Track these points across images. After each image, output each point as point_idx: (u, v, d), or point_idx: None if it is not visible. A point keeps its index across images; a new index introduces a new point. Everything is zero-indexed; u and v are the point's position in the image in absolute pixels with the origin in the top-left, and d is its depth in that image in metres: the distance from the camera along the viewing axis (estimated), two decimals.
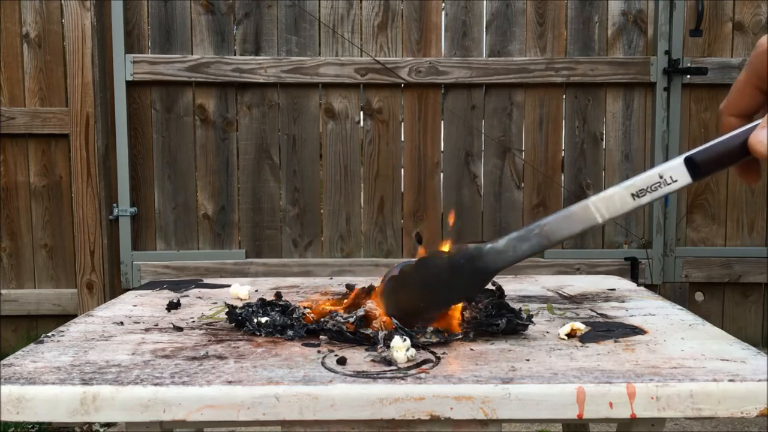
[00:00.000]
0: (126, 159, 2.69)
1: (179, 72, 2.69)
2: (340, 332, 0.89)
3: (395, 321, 0.89)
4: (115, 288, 2.73)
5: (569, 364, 0.79)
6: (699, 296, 2.84)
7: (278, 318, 0.95)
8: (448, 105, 2.79)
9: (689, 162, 0.68)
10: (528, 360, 0.81)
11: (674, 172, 0.68)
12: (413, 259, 0.86)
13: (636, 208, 0.71)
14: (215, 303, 1.18)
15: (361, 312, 0.92)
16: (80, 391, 0.71)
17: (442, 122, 2.80)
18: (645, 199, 0.70)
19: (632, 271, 2.76)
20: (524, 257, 0.76)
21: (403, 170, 2.81)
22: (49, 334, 0.94)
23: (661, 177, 0.69)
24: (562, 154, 2.82)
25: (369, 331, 0.88)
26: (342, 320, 0.92)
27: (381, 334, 0.86)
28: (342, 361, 0.80)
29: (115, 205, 2.72)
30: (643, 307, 1.11)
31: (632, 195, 0.70)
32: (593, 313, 1.07)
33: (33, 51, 2.69)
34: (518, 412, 0.70)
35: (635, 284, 1.33)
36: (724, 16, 2.77)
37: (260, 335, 0.93)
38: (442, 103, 2.79)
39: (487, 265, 0.78)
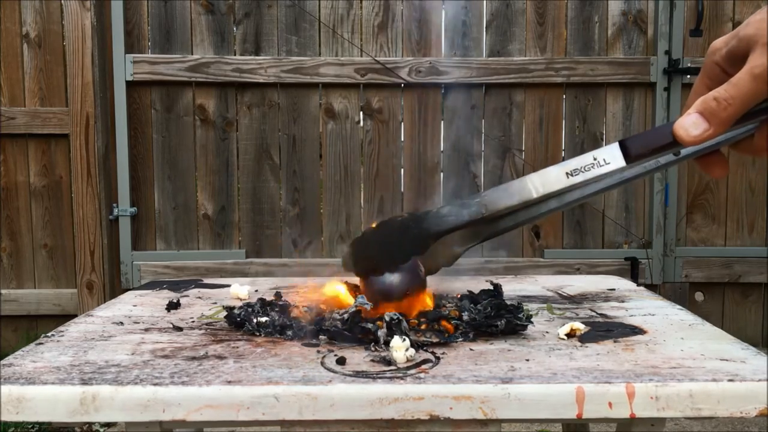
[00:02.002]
0: (126, 159, 2.69)
1: (179, 72, 2.69)
2: (339, 332, 0.89)
3: (391, 315, 0.89)
4: (115, 288, 2.73)
5: (569, 364, 0.79)
6: (699, 296, 2.84)
7: (278, 318, 0.96)
8: (448, 105, 2.79)
9: (623, 146, 0.69)
10: (528, 360, 0.81)
11: (607, 154, 0.71)
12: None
13: (569, 187, 0.73)
14: (215, 303, 1.18)
15: (352, 309, 0.92)
16: (80, 391, 0.71)
17: (442, 122, 2.80)
18: (578, 179, 0.71)
19: (632, 271, 2.76)
20: (465, 223, 0.78)
21: (403, 170, 2.81)
22: (49, 334, 0.94)
23: (594, 159, 0.71)
24: (562, 154, 2.82)
25: (369, 325, 0.88)
26: (337, 317, 0.92)
27: (381, 331, 0.86)
28: (341, 361, 0.80)
29: (115, 205, 2.72)
30: (642, 307, 1.11)
31: (566, 173, 0.72)
32: (593, 313, 1.07)
33: (33, 51, 2.69)
34: (518, 412, 0.71)
35: (635, 284, 1.33)
36: (724, 16, 2.77)
37: (260, 335, 0.93)
38: (442, 103, 2.79)
39: (430, 227, 0.81)
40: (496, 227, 0.82)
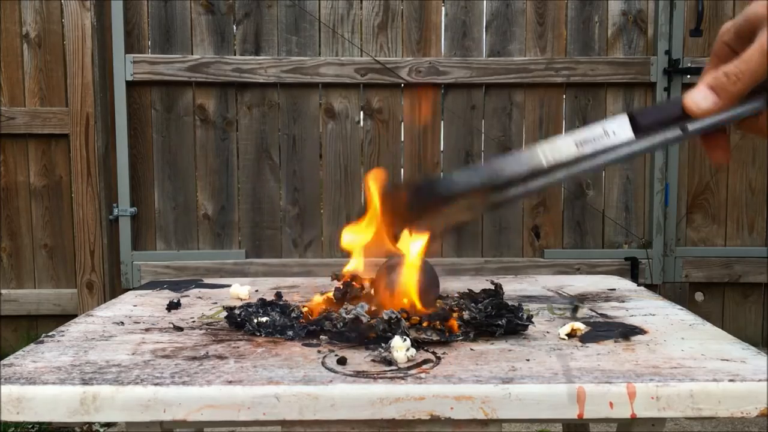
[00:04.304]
0: (126, 159, 2.69)
1: (179, 72, 2.69)
2: (340, 333, 0.89)
3: (389, 314, 0.89)
4: (115, 288, 2.73)
5: (570, 364, 0.79)
6: (699, 296, 2.84)
7: (278, 318, 0.96)
8: (448, 105, 2.79)
9: (632, 119, 0.70)
10: (528, 360, 0.81)
11: (617, 126, 0.71)
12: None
13: (579, 158, 0.72)
14: (215, 303, 1.18)
15: (351, 316, 0.92)
16: (80, 391, 0.71)
17: (442, 122, 2.80)
18: (587, 149, 0.72)
19: (632, 271, 2.76)
20: (475, 188, 0.79)
21: (403, 170, 2.81)
22: (49, 334, 0.94)
23: (604, 131, 0.71)
24: None
25: (373, 320, 0.88)
26: (342, 316, 0.92)
27: (381, 326, 0.86)
28: (342, 361, 0.80)
29: (115, 205, 2.72)
30: (643, 307, 1.11)
31: (576, 143, 0.72)
32: (593, 313, 1.07)
33: (33, 51, 2.69)
34: (518, 412, 0.71)
35: (635, 284, 1.33)
36: (725, 16, 2.77)
37: (260, 335, 0.93)
38: (442, 103, 2.79)
39: (441, 191, 0.82)
40: (504, 195, 0.83)
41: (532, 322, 0.95)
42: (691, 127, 0.69)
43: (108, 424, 2.31)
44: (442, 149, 2.81)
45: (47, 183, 2.74)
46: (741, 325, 2.84)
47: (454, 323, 0.91)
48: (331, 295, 1.06)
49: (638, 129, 0.69)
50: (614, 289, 1.27)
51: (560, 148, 0.72)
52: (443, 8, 2.77)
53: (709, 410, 0.71)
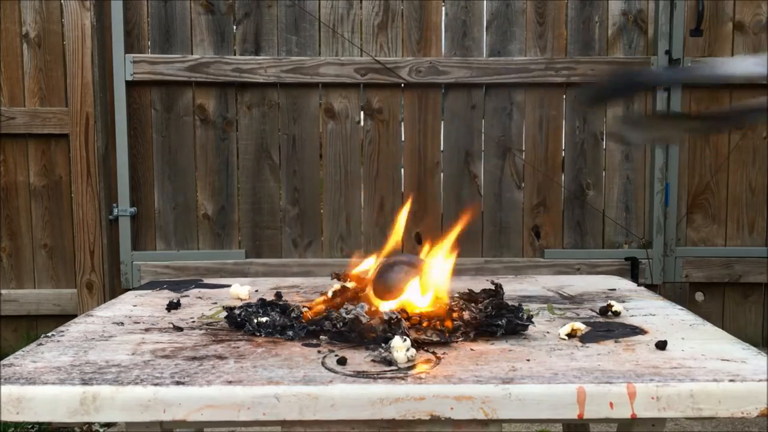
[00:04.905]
0: (126, 159, 2.69)
1: (179, 72, 2.69)
2: (340, 333, 0.89)
3: (390, 315, 0.89)
4: (115, 288, 2.72)
5: (569, 364, 0.79)
6: (699, 296, 2.84)
7: (278, 318, 0.95)
8: (448, 105, 2.79)
9: None
10: (528, 360, 0.81)
11: None
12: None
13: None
14: (215, 303, 1.18)
15: (351, 316, 0.92)
16: (80, 391, 0.71)
17: (443, 122, 2.80)
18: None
19: (632, 271, 2.76)
20: (673, 80, 0.85)
21: (403, 170, 2.81)
22: (49, 334, 0.94)
23: None
24: (563, 154, 2.82)
25: (373, 320, 0.88)
26: (342, 316, 0.92)
27: (381, 326, 0.86)
28: (342, 361, 0.80)
29: (115, 205, 2.72)
30: (643, 307, 1.11)
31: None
32: (593, 313, 1.07)
33: (33, 51, 2.68)
34: (518, 412, 0.70)
35: (635, 284, 1.33)
36: (725, 16, 2.77)
37: (260, 335, 0.93)
38: (442, 103, 2.79)
39: (648, 79, 0.91)
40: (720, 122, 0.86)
41: (532, 322, 0.95)
42: None
43: (108, 424, 2.30)
44: (442, 149, 2.81)
45: (47, 183, 2.74)
46: (741, 325, 2.84)
47: (450, 323, 0.91)
48: (330, 294, 1.06)
49: None
50: (614, 289, 1.27)
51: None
52: (443, 8, 2.77)
53: (710, 410, 0.71)
